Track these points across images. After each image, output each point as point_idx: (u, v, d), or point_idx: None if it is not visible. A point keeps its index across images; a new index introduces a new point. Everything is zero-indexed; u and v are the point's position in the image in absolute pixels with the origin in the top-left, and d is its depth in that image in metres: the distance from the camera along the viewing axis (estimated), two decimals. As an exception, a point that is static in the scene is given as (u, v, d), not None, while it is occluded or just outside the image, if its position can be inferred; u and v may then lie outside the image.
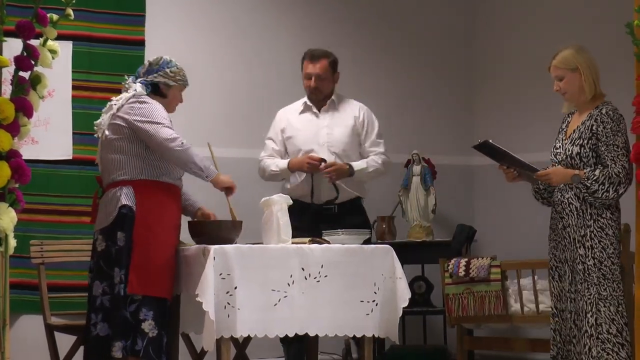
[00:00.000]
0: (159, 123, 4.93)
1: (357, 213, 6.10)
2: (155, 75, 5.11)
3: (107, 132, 5.01)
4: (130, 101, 5.00)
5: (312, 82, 6.01)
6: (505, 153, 5.00)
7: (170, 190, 5.05)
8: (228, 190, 5.13)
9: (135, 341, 4.82)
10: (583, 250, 4.91)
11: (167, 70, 5.11)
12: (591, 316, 4.86)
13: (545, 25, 7.38)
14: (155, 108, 5.00)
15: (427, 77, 7.69)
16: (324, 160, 5.91)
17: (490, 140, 4.96)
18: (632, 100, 4.77)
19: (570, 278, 4.97)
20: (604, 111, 4.97)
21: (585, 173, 4.92)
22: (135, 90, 5.03)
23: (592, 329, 4.86)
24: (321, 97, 6.07)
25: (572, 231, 4.96)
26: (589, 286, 4.88)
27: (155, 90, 5.11)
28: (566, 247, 4.99)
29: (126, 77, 5.17)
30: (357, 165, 6.02)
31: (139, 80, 5.12)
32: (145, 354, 4.81)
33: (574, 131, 5.03)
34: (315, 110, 6.09)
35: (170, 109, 5.15)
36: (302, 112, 6.11)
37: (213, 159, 5.13)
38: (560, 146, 5.08)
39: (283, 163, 6.02)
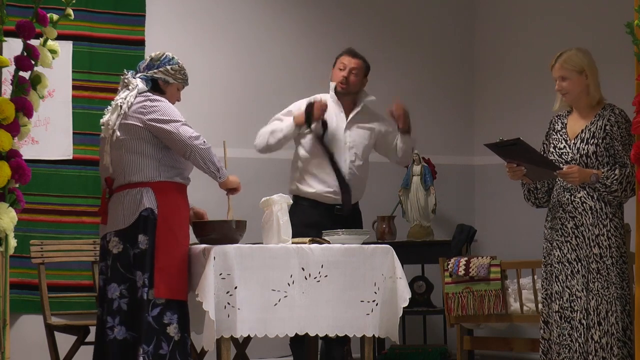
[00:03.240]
0: (178, 121, 4.87)
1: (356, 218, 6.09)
2: (155, 71, 5.02)
3: (118, 133, 4.89)
4: (140, 100, 4.91)
5: (345, 72, 5.98)
6: (534, 151, 4.95)
7: (183, 191, 5.01)
8: (232, 190, 5.11)
9: (160, 345, 4.75)
10: (598, 249, 4.92)
11: (168, 67, 5.03)
12: (611, 315, 4.88)
13: (545, 26, 7.38)
14: (168, 106, 4.93)
15: (427, 77, 7.70)
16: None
17: (521, 138, 4.92)
18: (632, 100, 4.77)
19: (584, 277, 4.96)
20: (616, 111, 4.99)
21: (603, 172, 4.92)
22: (137, 86, 4.95)
23: (613, 327, 4.88)
24: (346, 92, 6.02)
25: (586, 230, 4.96)
26: (608, 285, 4.90)
27: (154, 86, 5.03)
28: (578, 246, 4.98)
29: (125, 71, 5.06)
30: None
31: (138, 75, 5.03)
32: (171, 357, 4.76)
33: (582, 131, 5.02)
34: (342, 108, 6.06)
35: None
36: (330, 107, 6.03)
37: (225, 157, 5.11)
38: (565, 146, 5.07)
39: (289, 119, 5.91)
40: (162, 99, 4.95)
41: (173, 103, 5.07)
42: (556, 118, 5.19)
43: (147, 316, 4.74)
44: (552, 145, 5.13)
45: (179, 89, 5.12)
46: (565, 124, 5.13)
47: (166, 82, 5.04)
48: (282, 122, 5.94)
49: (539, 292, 5.21)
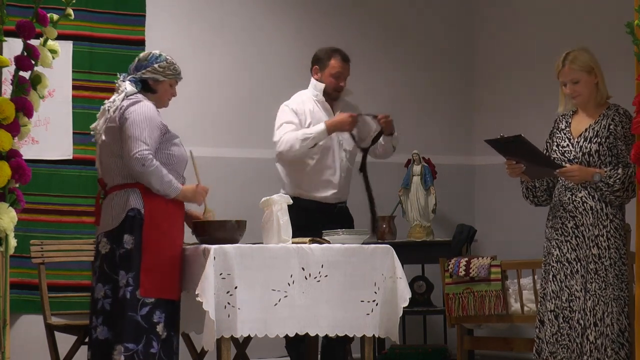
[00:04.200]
0: (134, 137, 4.79)
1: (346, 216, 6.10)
2: (143, 71, 5.01)
3: (104, 137, 4.93)
4: (125, 104, 4.91)
5: (341, 80, 6.03)
6: (534, 149, 4.93)
7: None
8: (193, 202, 5.07)
9: (151, 344, 4.77)
10: (597, 250, 4.91)
11: (156, 65, 5.01)
12: (607, 316, 4.87)
13: (546, 26, 7.39)
14: (141, 114, 4.85)
15: (427, 77, 7.70)
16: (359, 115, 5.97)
17: (522, 135, 4.90)
18: (632, 100, 4.76)
19: (582, 277, 4.95)
20: (621, 111, 4.98)
21: (605, 172, 4.91)
22: (125, 89, 4.96)
23: (608, 328, 4.86)
24: (338, 97, 6.08)
25: (587, 230, 4.95)
26: (606, 286, 4.88)
27: (145, 87, 5.02)
28: (578, 246, 4.97)
29: (118, 75, 5.08)
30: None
31: (128, 77, 5.03)
32: (159, 357, 4.78)
33: (586, 130, 5.01)
34: (329, 107, 6.06)
35: (161, 104, 5.06)
36: (315, 107, 6.05)
37: (194, 168, 5.06)
38: (568, 144, 5.06)
39: (318, 126, 5.89)
40: (145, 103, 4.93)
41: (167, 99, 5.08)
42: (561, 117, 5.19)
43: (134, 315, 4.75)
44: (556, 144, 5.12)
45: (171, 84, 5.09)
46: (570, 123, 5.12)
47: (156, 80, 5.03)
48: (309, 130, 5.89)
49: (538, 291, 5.20)
